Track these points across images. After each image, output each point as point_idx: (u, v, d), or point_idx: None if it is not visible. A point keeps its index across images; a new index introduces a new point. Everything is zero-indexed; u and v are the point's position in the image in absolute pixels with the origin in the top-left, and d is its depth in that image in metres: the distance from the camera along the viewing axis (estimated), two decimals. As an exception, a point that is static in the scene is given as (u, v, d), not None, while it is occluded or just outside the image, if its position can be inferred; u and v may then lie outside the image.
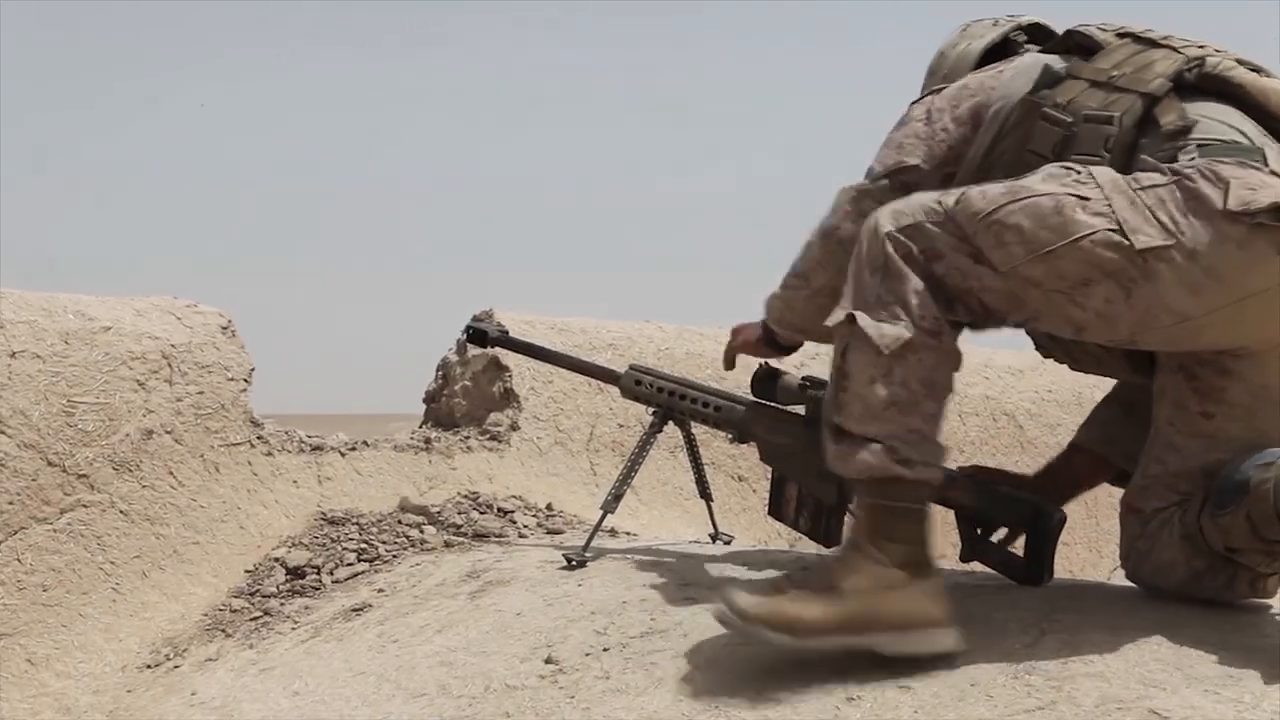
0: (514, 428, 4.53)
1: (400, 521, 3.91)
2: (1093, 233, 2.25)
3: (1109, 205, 2.26)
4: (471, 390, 4.67)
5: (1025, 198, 2.30)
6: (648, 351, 4.90)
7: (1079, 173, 2.34)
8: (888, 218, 2.39)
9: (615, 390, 3.57)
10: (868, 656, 2.43)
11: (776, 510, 3.22)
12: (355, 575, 3.62)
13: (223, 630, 3.44)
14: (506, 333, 3.82)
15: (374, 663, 2.94)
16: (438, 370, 4.84)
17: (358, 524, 3.88)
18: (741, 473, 4.98)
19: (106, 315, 3.84)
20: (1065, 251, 2.26)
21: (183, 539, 3.70)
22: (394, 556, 3.70)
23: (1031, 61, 2.66)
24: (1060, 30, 2.77)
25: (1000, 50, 2.86)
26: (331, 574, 3.63)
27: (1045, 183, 2.33)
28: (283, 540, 3.84)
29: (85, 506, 3.60)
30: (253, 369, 4.01)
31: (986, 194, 2.34)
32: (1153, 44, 2.54)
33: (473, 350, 4.65)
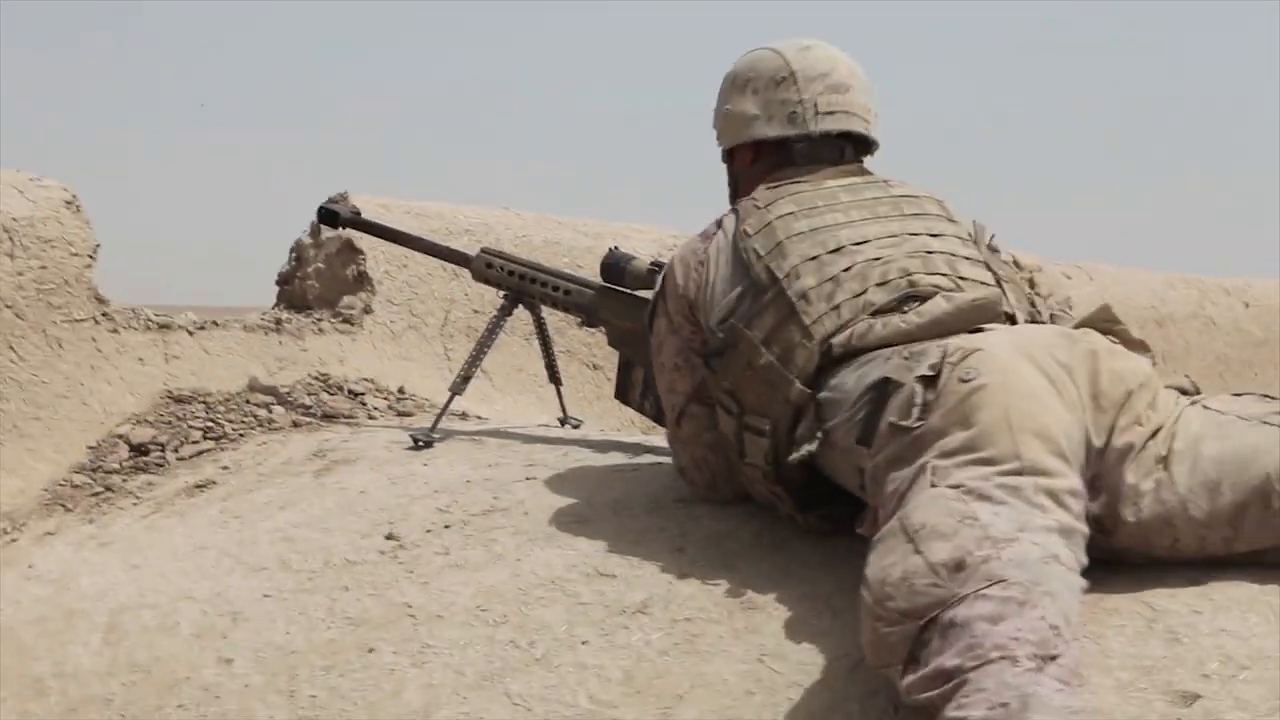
0: (367, 311, 4.49)
1: (248, 401, 3.88)
2: None
3: None
4: (324, 273, 4.62)
5: None
6: (505, 238, 4.88)
7: None
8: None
9: (470, 275, 3.57)
10: (702, 534, 2.50)
11: (623, 394, 3.26)
12: (201, 453, 3.60)
13: (63, 505, 3.40)
14: (359, 214, 3.80)
15: (215, 537, 2.94)
16: (291, 252, 4.77)
17: (205, 403, 3.84)
18: (596, 360, 5.00)
19: (-56, 185, 3.73)
20: None
21: (23, 414, 3.63)
22: (241, 436, 3.68)
23: None
24: None
25: None
26: (176, 451, 3.60)
27: None
28: (127, 417, 3.79)
29: (-79, 379, 3.53)
30: (98, 245, 3.92)
31: None
32: None
33: (326, 232, 4.60)
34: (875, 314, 2.28)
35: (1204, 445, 1.99)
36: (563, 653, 2.22)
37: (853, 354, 2.25)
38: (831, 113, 2.60)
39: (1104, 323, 2.23)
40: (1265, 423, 2.00)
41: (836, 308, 2.31)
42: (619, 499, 2.73)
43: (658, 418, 3.12)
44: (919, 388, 2.02)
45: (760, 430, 2.33)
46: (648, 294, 3.16)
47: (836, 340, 2.27)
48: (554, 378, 3.70)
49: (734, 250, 2.46)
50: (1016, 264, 6.65)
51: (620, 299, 3.22)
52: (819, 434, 2.21)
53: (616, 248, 3.26)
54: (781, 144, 2.62)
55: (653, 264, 3.15)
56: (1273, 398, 2.12)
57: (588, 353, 4.98)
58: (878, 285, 2.33)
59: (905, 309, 2.28)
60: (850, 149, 2.64)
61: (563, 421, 3.73)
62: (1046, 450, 1.92)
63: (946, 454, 1.93)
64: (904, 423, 2.01)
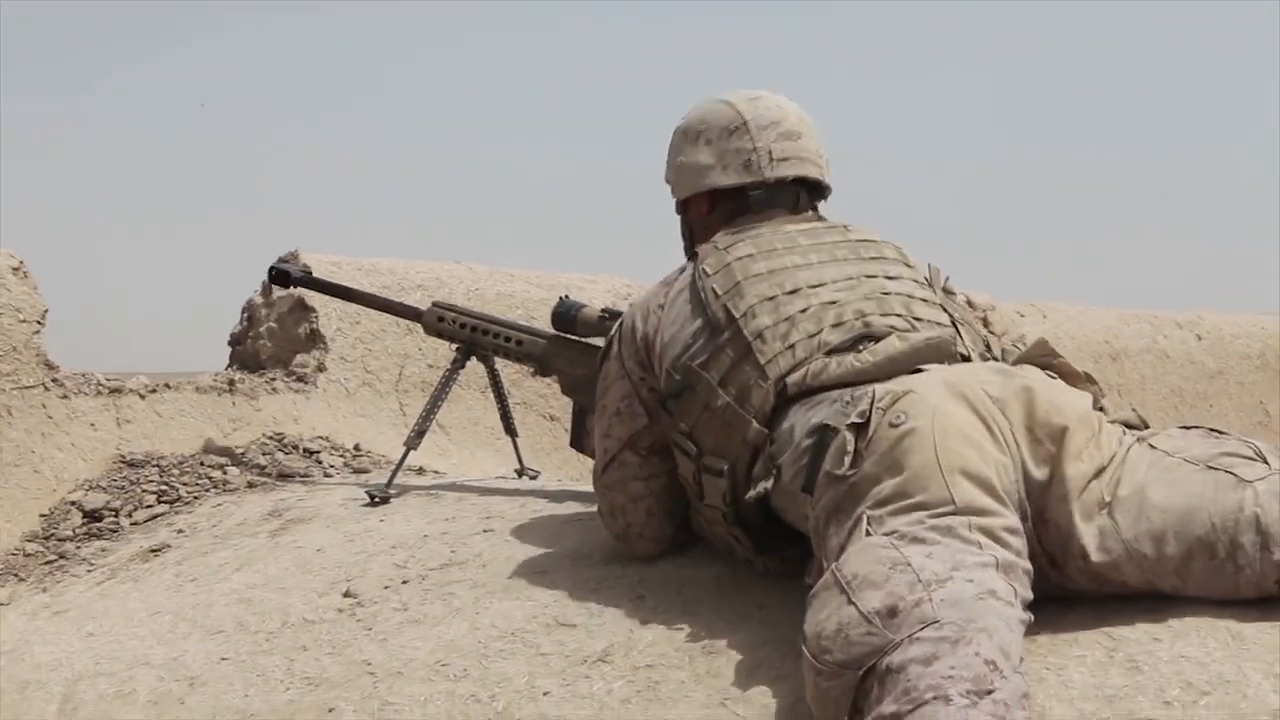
0: (321, 369, 4.48)
1: (202, 463, 3.85)
2: None
3: None
4: (277, 332, 4.60)
5: None
6: (458, 292, 4.88)
7: None
8: None
9: (422, 329, 3.58)
10: (661, 581, 2.49)
11: (578, 442, 3.26)
12: (155, 517, 3.57)
13: (15, 574, 3.36)
14: (310, 272, 3.80)
15: (171, 602, 2.91)
16: (242, 312, 4.75)
17: (158, 466, 3.81)
18: (553, 412, 5.00)
19: (-112, 255, 3.70)
20: None
21: (-27, 484, 3.60)
22: (195, 498, 3.65)
23: None
24: None
25: None
26: (130, 516, 3.57)
27: None
28: (80, 483, 3.75)
29: None
30: (46, 310, 3.90)
31: None
32: None
33: (278, 291, 4.59)
34: (830, 353, 2.29)
35: (1150, 491, 1.98)
36: (525, 704, 2.20)
37: (807, 393, 2.26)
38: (786, 159, 2.63)
39: (1042, 358, 2.23)
40: (1211, 467, 1.99)
41: (791, 347, 2.31)
42: (577, 548, 2.72)
43: None
44: (849, 435, 2.02)
45: (718, 471, 2.33)
46: (600, 341, 3.16)
47: (791, 379, 2.28)
48: (509, 429, 3.69)
49: (693, 290, 2.47)
50: (970, 304, 6.69)
51: (572, 347, 3.22)
52: (774, 470, 2.21)
53: (567, 296, 3.27)
54: (738, 192, 2.64)
55: (603, 311, 3.16)
56: (1222, 433, 2.11)
57: (544, 404, 4.98)
58: (833, 326, 2.33)
59: (860, 348, 2.29)
60: (805, 195, 2.66)
61: (520, 473, 3.71)
62: (979, 490, 1.92)
63: (880, 502, 1.93)
64: (837, 471, 2.01)
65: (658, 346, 2.49)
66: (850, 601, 1.80)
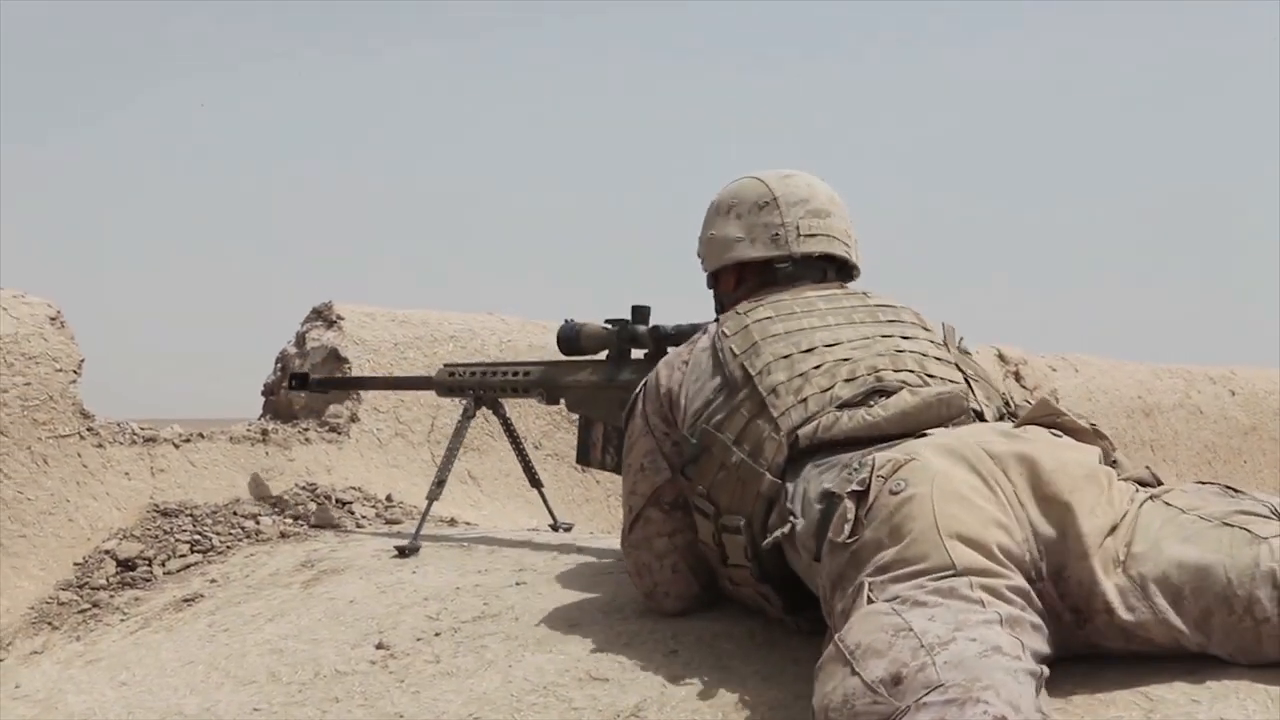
0: (353, 419, 4.50)
1: (235, 513, 3.87)
2: None
3: None
4: (311, 382, 4.63)
5: None
6: (490, 344, 4.90)
7: None
8: None
9: (436, 392, 3.74)
10: (694, 636, 2.49)
11: (584, 456, 3.29)
12: (188, 566, 3.58)
13: (49, 623, 3.37)
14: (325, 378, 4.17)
15: (203, 652, 2.91)
16: (276, 362, 4.78)
17: (191, 515, 3.83)
18: (584, 464, 5.00)
19: (-71, 304, 3.74)
20: None
21: (8, 532, 3.61)
22: (228, 548, 3.67)
23: None
24: None
25: None
26: (163, 565, 3.58)
27: None
28: (113, 532, 3.77)
29: (-95, 499, 3.51)
30: (82, 360, 3.93)
31: None
32: None
33: (311, 342, 4.62)
34: (841, 407, 2.30)
35: (1165, 547, 1.97)
36: (557, 760, 2.19)
37: (819, 446, 2.26)
38: (813, 235, 2.67)
39: (1046, 417, 2.22)
40: (1226, 524, 1.98)
41: (804, 400, 2.33)
42: (610, 601, 2.72)
43: (618, 469, 3.10)
44: (850, 504, 2.02)
45: (736, 529, 2.34)
46: (603, 355, 3.23)
47: (803, 432, 2.28)
48: (534, 481, 3.73)
49: (713, 351, 2.50)
50: (1002, 358, 6.67)
51: (574, 363, 3.32)
52: (790, 519, 2.21)
53: (570, 320, 3.30)
54: (765, 265, 2.69)
55: (607, 321, 3.20)
56: (1237, 491, 2.09)
57: (574, 455, 4.98)
58: (846, 381, 2.35)
59: (871, 403, 2.29)
60: (832, 272, 2.70)
61: (554, 527, 3.72)
62: (978, 553, 1.90)
63: (881, 569, 1.92)
64: (838, 539, 2.01)
65: (682, 401, 2.51)
66: (854, 672, 1.79)
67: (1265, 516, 1.98)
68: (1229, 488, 2.12)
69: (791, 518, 2.21)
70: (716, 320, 2.61)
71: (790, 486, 2.25)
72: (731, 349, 2.45)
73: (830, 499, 2.10)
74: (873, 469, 2.04)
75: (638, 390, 2.67)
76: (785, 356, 2.40)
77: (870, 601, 1.89)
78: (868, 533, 1.98)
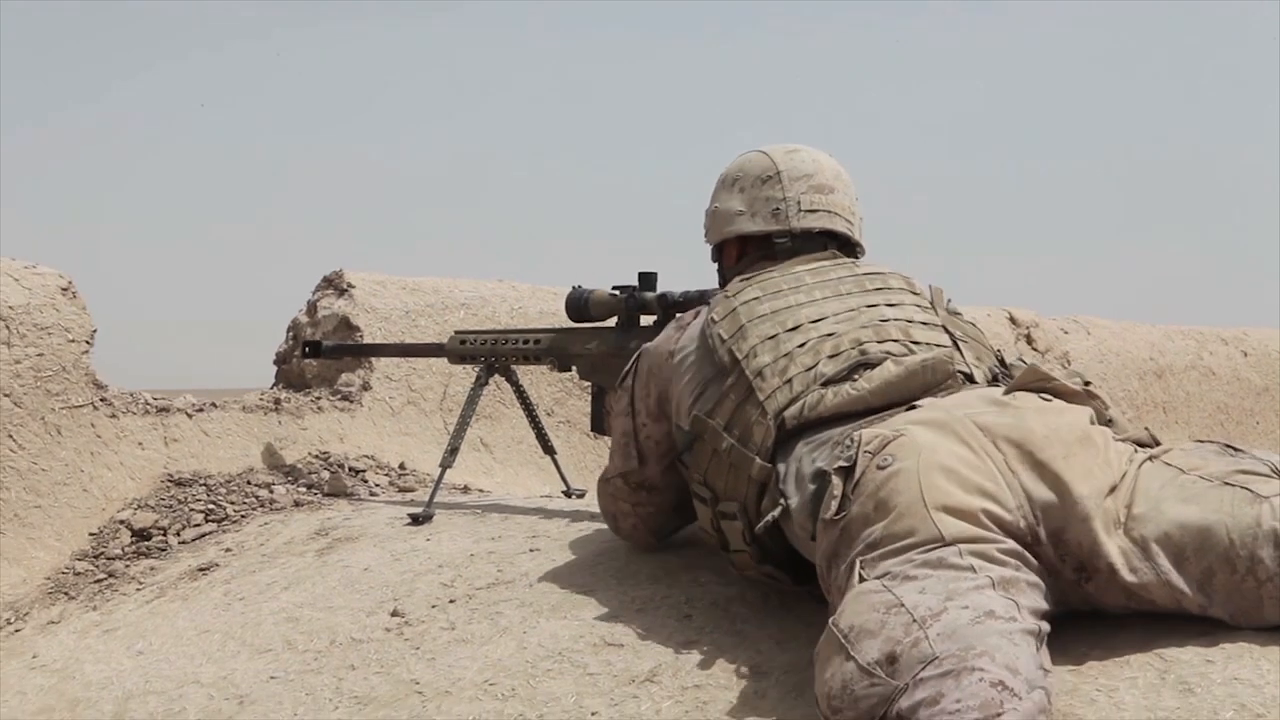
0: (366, 387, 4.51)
1: (249, 482, 3.88)
2: None
3: None
4: (323, 351, 4.63)
5: None
6: (501, 311, 4.90)
7: None
8: None
9: (448, 360, 3.75)
10: (708, 601, 2.49)
11: (599, 425, 3.30)
12: (203, 536, 3.59)
13: (65, 593, 3.39)
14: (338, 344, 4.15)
15: (219, 620, 2.93)
16: (288, 331, 4.79)
17: (205, 485, 3.84)
18: (597, 430, 5.00)
19: (-60, 276, 3.75)
20: None
21: (24, 502, 3.63)
22: (242, 517, 3.68)
23: None
24: None
25: None
26: (178, 535, 3.59)
27: None
28: (128, 502, 3.79)
29: (-79, 471, 3.52)
30: (95, 330, 3.93)
31: None
32: None
33: (323, 310, 4.62)
34: (826, 384, 2.29)
35: (1166, 508, 1.96)
36: (572, 725, 2.20)
37: (807, 426, 2.26)
38: (814, 210, 2.66)
39: (1036, 382, 2.20)
40: (1227, 483, 1.97)
41: (789, 381, 2.32)
42: (623, 567, 2.72)
43: None
44: (838, 480, 2.02)
45: (732, 515, 2.34)
46: (612, 322, 3.24)
47: (789, 413, 2.28)
48: (547, 448, 3.74)
49: (702, 338, 2.49)
50: (1014, 320, 6.66)
51: (584, 331, 3.34)
52: (781, 501, 2.21)
53: (579, 286, 3.30)
54: (765, 240, 2.68)
55: (614, 289, 3.21)
56: (1237, 449, 2.08)
57: (586, 422, 4.99)
58: (830, 357, 2.33)
59: (855, 377, 2.29)
60: (834, 248, 2.67)
61: (567, 493, 3.73)
62: (967, 522, 1.90)
63: (871, 545, 1.92)
64: (827, 516, 2.01)
65: (674, 398, 2.52)
66: (850, 656, 1.78)
67: (1266, 475, 1.98)
68: (1228, 446, 2.11)
69: (783, 499, 2.21)
70: (708, 303, 2.60)
71: (782, 468, 2.25)
72: (720, 335, 2.43)
73: (822, 477, 2.10)
74: (859, 445, 2.04)
75: (628, 366, 2.69)
76: (771, 337, 2.39)
77: (862, 580, 1.89)
78: (855, 508, 1.97)
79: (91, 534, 3.67)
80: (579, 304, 3.27)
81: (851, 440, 2.07)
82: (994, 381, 2.34)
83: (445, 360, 3.89)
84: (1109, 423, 2.19)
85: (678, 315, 2.69)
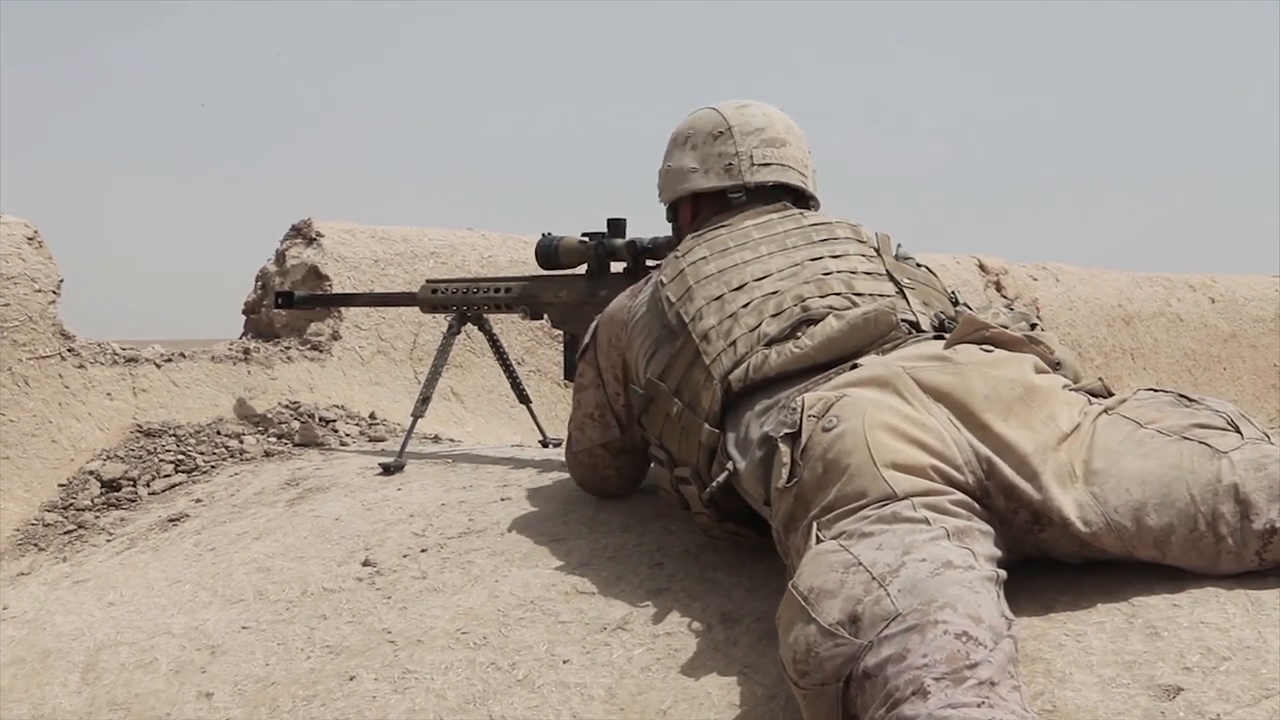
0: (335, 337, 4.49)
1: (219, 433, 3.87)
2: None
3: None
4: (292, 300, 4.61)
5: None
6: (470, 259, 4.88)
7: None
8: None
9: (420, 309, 3.73)
10: (679, 549, 2.50)
11: (571, 373, 3.30)
12: (173, 486, 3.58)
13: (35, 544, 3.38)
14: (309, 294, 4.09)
15: (190, 571, 2.93)
16: (256, 281, 4.76)
17: (175, 435, 3.83)
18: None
19: (-97, 226, 3.71)
20: None
21: (-9, 454, 3.61)
22: (212, 467, 3.67)
23: None
24: None
25: None
26: (148, 486, 3.58)
27: None
28: (97, 453, 3.77)
29: (-113, 423, 3.50)
30: (61, 280, 3.91)
31: None
32: None
33: (291, 260, 4.60)
34: (769, 344, 2.28)
35: (1125, 464, 1.95)
36: (545, 672, 2.21)
37: (754, 387, 2.26)
38: (767, 164, 2.65)
39: (975, 333, 2.19)
40: (1185, 438, 1.96)
41: (733, 343, 2.31)
42: (595, 516, 2.73)
43: None
44: (785, 447, 2.02)
45: (686, 479, 2.35)
46: (581, 270, 3.24)
47: (734, 375, 2.27)
48: (521, 397, 3.72)
49: (653, 301, 2.49)
50: (983, 267, 6.67)
51: (555, 279, 3.34)
52: (728, 465, 2.21)
53: (548, 233, 3.29)
54: (719, 196, 2.67)
55: (583, 235, 3.21)
56: (1191, 399, 2.08)
57: (558, 371, 4.98)
58: (772, 316, 2.33)
59: (798, 335, 2.28)
60: (788, 202, 2.66)
61: (544, 443, 3.73)
62: (917, 476, 1.90)
63: (826, 508, 1.92)
64: (779, 484, 2.01)
65: (633, 363, 2.53)
66: (811, 619, 1.77)
67: (1222, 429, 1.97)
68: (1182, 395, 2.10)
69: (729, 463, 2.21)
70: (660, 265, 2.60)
71: (731, 435, 2.25)
72: (668, 297, 2.43)
73: (768, 442, 2.10)
74: (803, 410, 2.03)
75: (586, 338, 2.70)
76: (717, 298, 2.38)
77: (819, 541, 1.89)
78: (805, 473, 1.97)
79: (60, 485, 3.66)
80: (549, 251, 3.26)
81: (795, 405, 2.07)
82: (941, 329, 2.33)
83: (415, 309, 3.88)
84: (1056, 365, 2.19)
85: (630, 288, 2.67)
